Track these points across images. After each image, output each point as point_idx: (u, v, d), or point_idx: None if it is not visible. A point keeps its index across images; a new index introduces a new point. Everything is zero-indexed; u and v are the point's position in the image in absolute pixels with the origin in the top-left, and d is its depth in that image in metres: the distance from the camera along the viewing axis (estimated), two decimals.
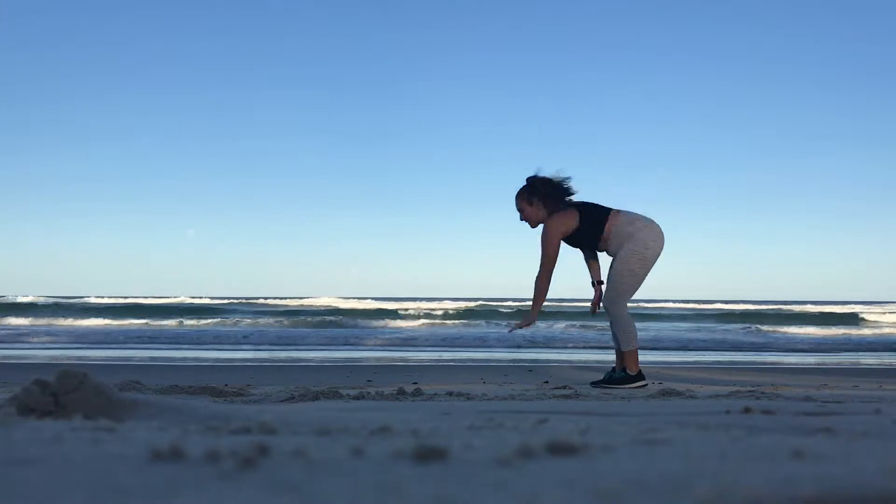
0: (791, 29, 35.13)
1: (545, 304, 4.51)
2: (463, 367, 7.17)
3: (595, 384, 4.40)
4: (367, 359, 8.58)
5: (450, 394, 3.31)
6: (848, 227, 39.59)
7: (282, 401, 3.03)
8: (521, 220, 4.50)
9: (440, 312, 22.32)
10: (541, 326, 13.42)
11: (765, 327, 17.62)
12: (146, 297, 28.89)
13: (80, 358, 8.45)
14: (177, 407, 1.42)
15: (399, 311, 22.23)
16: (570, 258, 4.86)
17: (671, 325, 18.85)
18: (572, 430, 1.16)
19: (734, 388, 3.74)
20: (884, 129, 34.54)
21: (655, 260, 4.41)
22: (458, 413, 1.80)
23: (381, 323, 18.42)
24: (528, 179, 4.49)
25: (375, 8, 40.25)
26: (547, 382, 4.66)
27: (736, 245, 42.60)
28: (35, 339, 12.01)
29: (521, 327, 4.44)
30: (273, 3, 38.40)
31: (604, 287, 4.54)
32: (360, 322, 18.40)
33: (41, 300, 25.37)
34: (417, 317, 21.08)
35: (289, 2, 38.22)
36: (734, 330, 16.72)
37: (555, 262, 4.38)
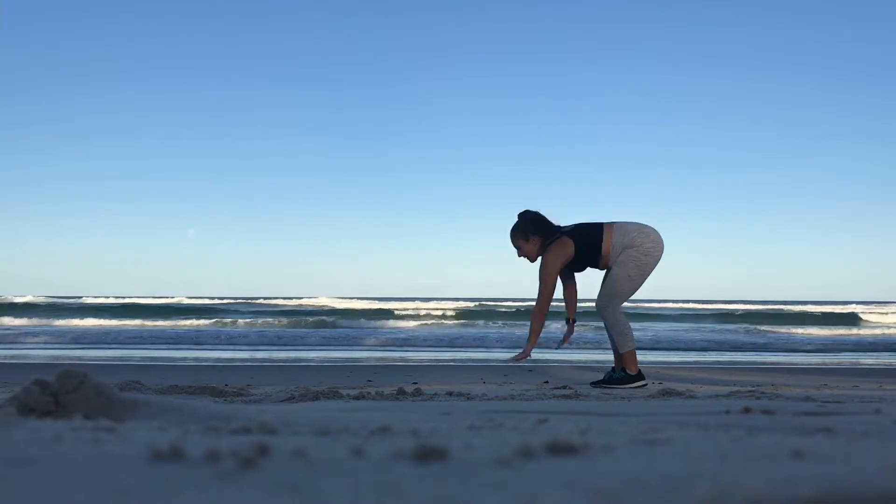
0: (791, 29, 35.15)
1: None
2: (463, 367, 7.17)
3: (595, 384, 4.40)
4: (367, 359, 8.58)
5: (450, 394, 3.31)
6: (848, 227, 39.61)
7: (282, 401, 3.03)
8: (520, 256, 4.50)
9: (440, 312, 22.32)
10: None
11: (765, 327, 17.63)
12: (146, 298, 28.90)
13: (79, 358, 8.45)
14: (177, 407, 1.42)
15: (399, 312, 22.23)
16: None
17: (671, 326, 18.85)
18: (572, 430, 1.16)
19: (734, 388, 3.74)
20: (884, 129, 34.56)
21: (654, 266, 4.39)
22: (458, 413, 1.80)
23: (380, 323, 18.42)
24: (519, 216, 4.48)
25: (375, 8, 40.27)
26: (547, 382, 4.66)
27: (736, 245, 42.62)
28: (35, 339, 12.01)
29: (517, 361, 4.40)
30: (273, 3, 38.41)
31: (575, 325, 4.61)
32: (360, 322, 18.41)
33: (41, 300, 25.38)
34: (417, 317, 21.09)
35: (289, 2, 38.23)
36: (734, 330, 16.73)
37: (552, 295, 4.38)
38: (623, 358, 4.38)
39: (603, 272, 4.48)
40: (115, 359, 8.33)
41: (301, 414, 1.61)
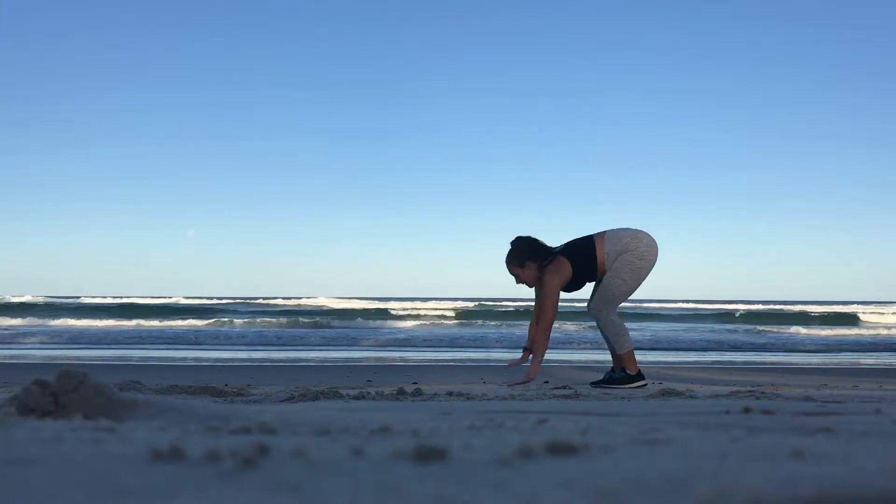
0: (791, 29, 35.15)
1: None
2: (463, 367, 7.17)
3: (595, 384, 4.40)
4: (366, 359, 8.58)
5: (450, 394, 3.31)
6: (848, 227, 39.61)
7: (282, 401, 3.03)
8: (518, 283, 4.48)
9: (440, 312, 22.32)
10: None
11: (765, 327, 17.63)
12: (146, 298, 28.90)
13: (79, 358, 8.45)
14: (177, 407, 1.42)
15: (399, 312, 22.23)
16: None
17: (671, 326, 18.86)
18: (572, 430, 1.16)
19: (734, 388, 3.74)
20: (884, 129, 34.55)
21: (650, 270, 4.38)
22: (458, 413, 1.80)
23: (380, 323, 18.42)
24: (511, 243, 4.45)
25: (375, 8, 40.27)
26: (547, 382, 4.66)
27: (736, 245, 42.61)
28: (34, 339, 12.01)
29: (521, 384, 4.29)
30: (273, 3, 38.41)
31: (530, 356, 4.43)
32: (360, 322, 18.41)
33: (41, 300, 25.38)
34: (417, 317, 21.08)
35: (289, 2, 38.23)
36: (734, 330, 16.73)
37: (554, 318, 4.34)
38: (622, 359, 4.38)
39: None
40: (114, 359, 8.33)
41: (301, 414, 1.61)
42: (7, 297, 25.78)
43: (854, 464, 0.78)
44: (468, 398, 3.04)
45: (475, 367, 7.12)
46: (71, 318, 18.12)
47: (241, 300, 29.89)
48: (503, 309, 23.80)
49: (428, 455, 0.81)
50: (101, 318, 18.28)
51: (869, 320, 22.61)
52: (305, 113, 39.17)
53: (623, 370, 4.37)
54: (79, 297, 29.32)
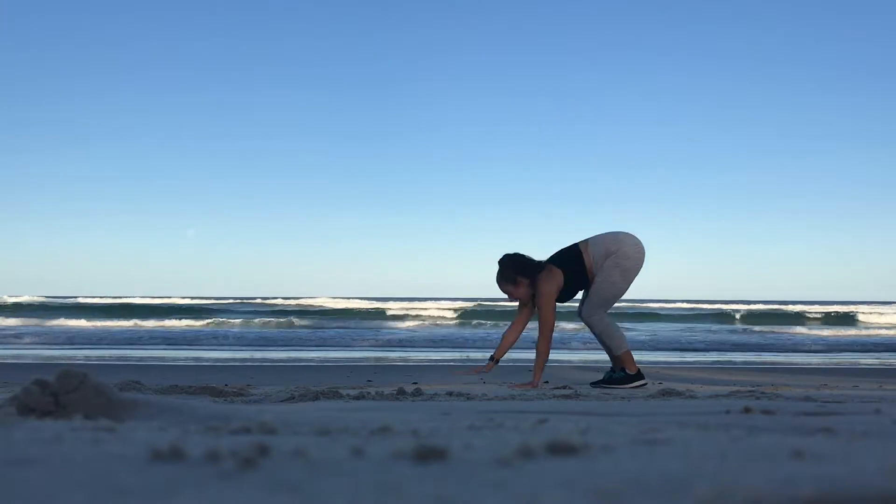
0: (791, 29, 35.11)
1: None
2: (463, 367, 7.17)
3: (595, 384, 4.40)
4: (366, 359, 8.58)
5: (450, 394, 3.31)
6: (848, 227, 39.56)
7: (282, 401, 3.03)
8: (512, 300, 4.50)
9: (440, 312, 22.32)
10: None
11: (765, 327, 17.63)
12: (146, 298, 28.89)
13: (79, 358, 8.45)
14: (177, 407, 1.42)
15: (399, 312, 22.23)
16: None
17: (671, 326, 18.86)
18: (572, 430, 1.16)
19: (734, 388, 3.74)
20: (884, 129, 34.50)
21: (638, 270, 4.39)
22: (458, 413, 1.81)
23: (380, 323, 18.42)
24: (500, 262, 4.45)
25: (375, 8, 40.21)
26: (547, 382, 4.66)
27: (736, 245, 42.56)
28: (34, 339, 12.01)
29: (523, 386, 4.26)
30: (273, 3, 38.37)
31: (496, 365, 4.53)
32: (360, 322, 18.41)
33: (41, 300, 25.38)
34: (417, 317, 21.09)
35: (289, 2, 38.18)
36: (734, 330, 16.73)
37: (554, 324, 4.35)
38: (620, 359, 4.38)
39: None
40: (114, 359, 8.33)
41: (301, 414, 1.61)
42: (7, 297, 25.78)
43: (854, 464, 0.78)
44: (468, 398, 3.04)
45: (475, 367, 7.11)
46: (70, 318, 18.12)
47: (241, 300, 29.88)
48: (503, 309, 23.80)
49: (428, 455, 0.81)
50: (100, 318, 18.29)
51: (869, 320, 22.60)
52: (305, 113, 39.15)
53: (623, 370, 4.37)
54: (78, 298, 29.32)
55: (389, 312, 21.95)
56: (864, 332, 17.26)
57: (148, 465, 0.76)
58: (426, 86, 39.83)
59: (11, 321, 17.10)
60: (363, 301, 27.37)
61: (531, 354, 4.54)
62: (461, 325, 18.39)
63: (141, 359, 8.29)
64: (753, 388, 3.75)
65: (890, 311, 24.45)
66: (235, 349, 10.61)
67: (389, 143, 41.57)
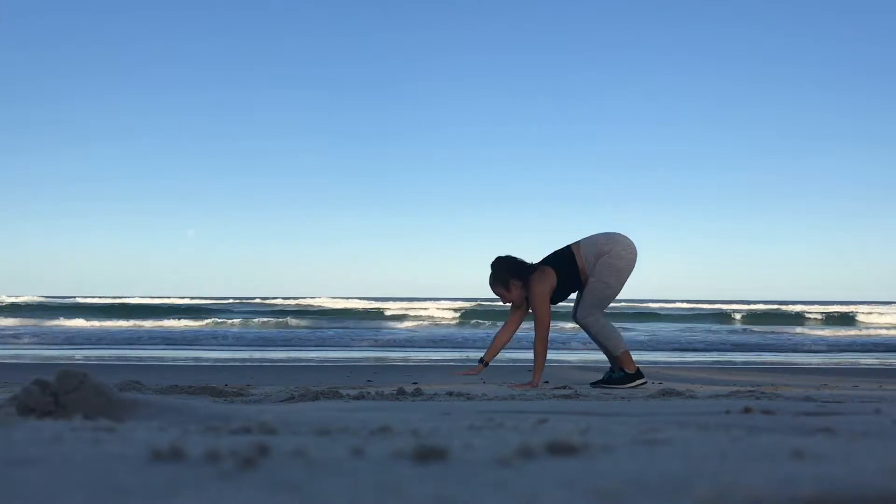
0: (791, 29, 35.11)
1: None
2: (463, 367, 7.16)
3: (595, 384, 4.40)
4: (366, 359, 8.58)
5: (450, 394, 3.31)
6: (848, 227, 39.57)
7: (282, 401, 3.03)
8: (506, 303, 4.50)
9: (440, 312, 22.32)
10: None
11: (765, 327, 17.63)
12: (146, 297, 28.89)
13: (79, 358, 8.45)
14: (177, 407, 1.42)
15: (399, 312, 22.23)
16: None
17: (670, 326, 18.86)
18: (572, 430, 1.16)
19: (734, 388, 3.74)
20: (884, 129, 34.51)
21: (631, 270, 4.39)
22: (458, 413, 1.81)
23: (380, 323, 18.42)
24: (492, 266, 4.45)
25: (375, 8, 40.21)
26: (547, 382, 4.66)
27: (736, 245, 42.57)
28: (34, 340, 12.01)
29: (523, 386, 4.28)
30: (273, 3, 38.37)
31: (485, 367, 4.52)
32: (360, 322, 18.41)
33: (40, 300, 25.37)
34: (417, 317, 21.09)
35: (289, 2, 38.18)
36: (734, 330, 16.73)
37: (549, 323, 4.35)
38: (619, 360, 4.38)
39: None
40: (114, 359, 8.33)
41: (301, 414, 1.61)
42: (6, 297, 25.77)
43: (854, 464, 0.78)
44: (468, 398, 3.04)
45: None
46: (70, 318, 18.11)
47: (241, 300, 29.88)
48: (503, 309, 23.77)
49: (428, 455, 0.81)
50: (100, 318, 18.28)
51: (869, 320, 22.61)
52: (305, 113, 39.14)
53: (622, 370, 4.37)
54: (78, 298, 29.31)
55: (389, 312, 21.96)
56: (864, 333, 17.26)
57: (148, 465, 0.76)
58: (426, 86, 39.84)
59: (11, 321, 17.10)
60: (363, 301, 27.38)
61: (530, 355, 4.54)
62: (461, 325, 18.40)
63: (140, 359, 8.29)
64: (753, 388, 3.75)
65: (890, 311, 24.47)
66: (235, 349, 10.61)
67: (389, 143, 41.58)
